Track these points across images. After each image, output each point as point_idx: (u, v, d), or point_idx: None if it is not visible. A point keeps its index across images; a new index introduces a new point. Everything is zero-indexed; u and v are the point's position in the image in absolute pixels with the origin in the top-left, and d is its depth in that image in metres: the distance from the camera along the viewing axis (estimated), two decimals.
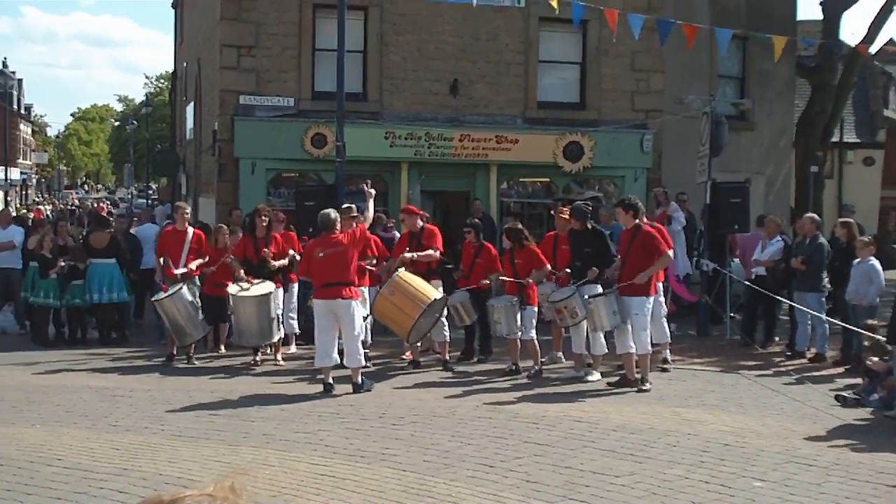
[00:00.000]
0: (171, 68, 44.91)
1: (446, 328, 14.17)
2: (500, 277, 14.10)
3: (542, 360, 13.93)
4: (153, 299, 14.79)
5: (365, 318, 13.39)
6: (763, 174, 26.09)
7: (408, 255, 14.03)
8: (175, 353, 14.57)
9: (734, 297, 18.47)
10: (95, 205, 50.68)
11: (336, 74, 17.58)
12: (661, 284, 14.13)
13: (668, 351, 14.46)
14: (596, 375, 13.31)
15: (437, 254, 14.28)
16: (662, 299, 14.39)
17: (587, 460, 9.08)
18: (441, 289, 14.06)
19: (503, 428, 10.38)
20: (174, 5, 38.41)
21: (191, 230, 15.12)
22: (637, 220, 12.99)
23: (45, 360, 14.65)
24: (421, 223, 14.51)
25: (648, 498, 7.93)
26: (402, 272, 13.28)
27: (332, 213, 12.78)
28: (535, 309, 13.85)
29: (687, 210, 19.54)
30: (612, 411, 11.32)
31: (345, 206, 14.70)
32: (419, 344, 14.28)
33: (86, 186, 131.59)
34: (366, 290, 13.67)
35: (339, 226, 12.52)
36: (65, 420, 10.63)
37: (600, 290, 13.30)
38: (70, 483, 8.19)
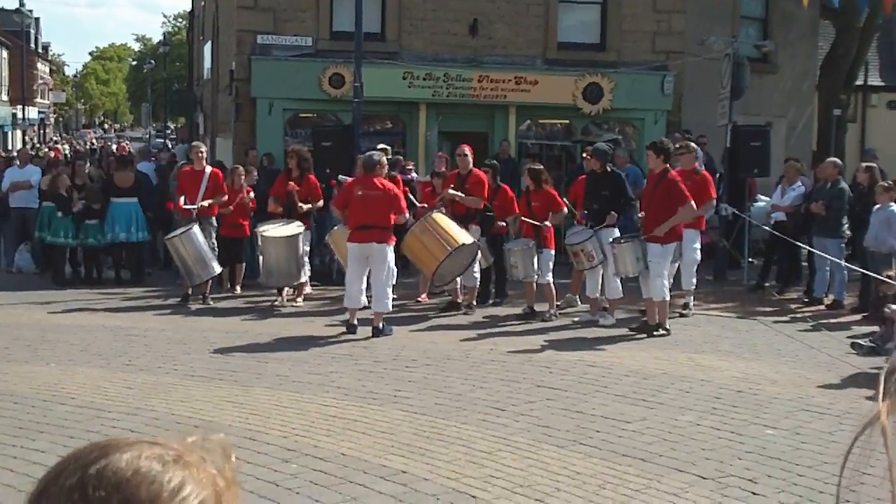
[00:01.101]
0: (188, 7, 44.63)
1: (477, 273, 14.09)
2: (517, 224, 14.02)
3: (558, 303, 13.89)
4: (165, 238, 14.80)
5: None
6: (785, 117, 25.79)
7: (451, 192, 13.96)
8: (190, 293, 14.57)
9: (753, 243, 18.35)
10: (118, 144, 50.61)
11: (354, 14, 17.40)
12: (696, 232, 13.91)
13: (691, 298, 14.35)
14: (611, 319, 13.26)
15: (481, 200, 14.15)
16: (697, 246, 14.11)
17: (599, 405, 9.07)
18: (480, 234, 13.97)
19: (516, 372, 10.37)
20: None
21: (208, 169, 15.09)
22: (666, 165, 12.81)
23: (60, 299, 14.70)
24: (471, 167, 14.39)
25: (659, 444, 7.91)
26: (435, 213, 13.21)
27: (377, 155, 12.78)
28: (552, 252, 13.78)
29: (706, 153, 19.34)
30: (626, 356, 11.29)
31: (381, 146, 14.72)
32: (456, 285, 14.20)
33: (104, 125, 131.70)
34: None
35: (382, 170, 12.50)
36: (79, 359, 10.68)
37: (618, 233, 13.22)
38: (82, 422, 8.24)
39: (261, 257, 14.42)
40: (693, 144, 14.65)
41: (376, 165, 12.46)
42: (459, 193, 13.99)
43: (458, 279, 13.88)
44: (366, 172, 12.53)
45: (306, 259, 14.55)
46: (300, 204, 14.35)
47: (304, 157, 14.88)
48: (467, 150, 14.54)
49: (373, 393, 9.41)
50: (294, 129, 21.74)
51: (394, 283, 12.74)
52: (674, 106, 22.91)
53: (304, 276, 14.58)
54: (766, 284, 16.61)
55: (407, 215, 12.85)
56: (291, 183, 14.45)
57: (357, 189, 12.42)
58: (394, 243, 12.57)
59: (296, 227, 14.10)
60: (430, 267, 12.88)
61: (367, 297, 12.53)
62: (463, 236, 13.05)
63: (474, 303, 14.21)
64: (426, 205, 14.19)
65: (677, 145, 14.34)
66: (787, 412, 8.98)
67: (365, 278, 12.46)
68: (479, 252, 13.76)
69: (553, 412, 8.81)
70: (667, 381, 10.10)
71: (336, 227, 13.88)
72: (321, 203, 14.82)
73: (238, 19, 21.51)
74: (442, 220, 13.10)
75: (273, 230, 14.05)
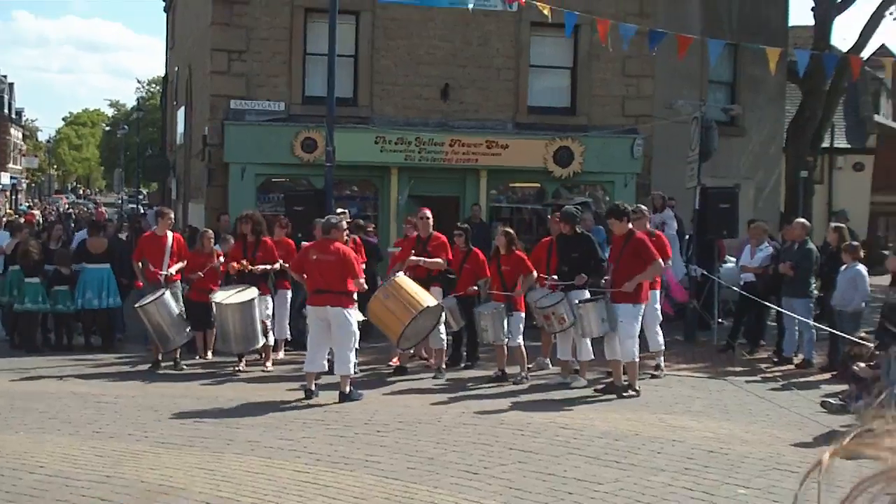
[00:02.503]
0: (162, 73, 44.83)
1: (443, 335, 14.11)
2: (488, 287, 14.09)
3: (530, 366, 13.90)
4: (136, 305, 14.70)
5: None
6: (753, 180, 26.10)
7: (414, 258, 14.01)
8: (160, 359, 14.49)
9: (723, 303, 18.46)
10: (94, 209, 50.37)
11: (327, 79, 17.55)
12: (656, 292, 14.07)
13: (661, 359, 14.41)
14: (582, 382, 13.29)
15: (444, 263, 14.21)
16: (658, 307, 14.29)
17: (571, 467, 9.06)
18: (442, 296, 14.01)
19: (488, 435, 10.36)
20: (166, 9, 38.38)
21: (170, 235, 15.02)
22: (629, 226, 12.93)
23: (30, 366, 14.57)
24: (431, 230, 14.45)
25: None
26: (399, 276, 13.22)
27: (335, 219, 12.79)
28: (522, 315, 13.81)
29: (676, 215, 19.52)
30: (597, 418, 11.30)
31: (339, 210, 14.72)
32: (412, 350, 14.26)
33: (77, 191, 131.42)
34: None
35: (340, 234, 12.51)
36: (48, 427, 10.59)
37: (588, 295, 13.28)
38: (52, 490, 8.16)
39: (216, 324, 14.37)
40: (644, 208, 14.88)
41: (332, 229, 12.46)
42: (422, 258, 14.05)
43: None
44: (323, 235, 12.55)
45: (268, 323, 14.47)
46: (255, 267, 14.27)
47: (257, 222, 14.85)
48: (428, 213, 14.69)
49: (345, 458, 9.37)
50: (266, 193, 21.81)
51: (357, 347, 12.66)
52: (643, 168, 23.17)
53: (263, 341, 14.42)
54: (736, 344, 16.69)
55: (362, 280, 12.80)
56: (243, 263, 14.35)
57: (312, 253, 12.43)
58: (353, 307, 12.52)
59: (250, 293, 14.03)
60: (396, 331, 12.86)
61: (327, 361, 12.51)
62: (427, 299, 13.08)
63: (443, 366, 14.20)
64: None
65: (632, 208, 14.58)
66: (760, 471, 9.01)
67: (326, 342, 12.43)
68: (444, 314, 13.79)
69: (525, 475, 8.79)
70: (638, 442, 10.11)
71: None
72: (278, 266, 14.72)
73: (211, 85, 21.67)
74: (405, 282, 13.12)
75: (227, 297, 14.00)
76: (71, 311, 16.48)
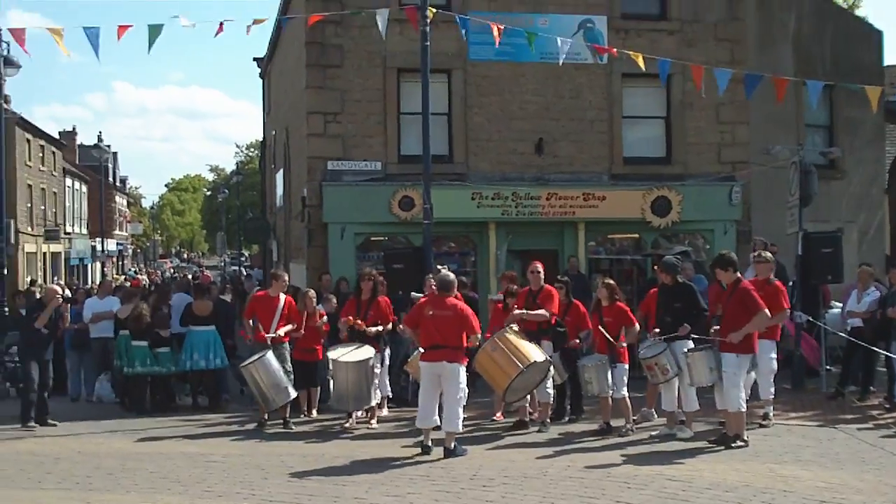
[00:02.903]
0: (260, 137, 45.75)
1: (550, 388, 14.06)
2: (590, 339, 14.03)
3: (634, 417, 13.78)
4: (240, 366, 14.95)
5: None
6: (855, 223, 25.66)
7: (518, 312, 14.00)
8: (266, 418, 14.67)
9: (830, 350, 18.09)
10: (199, 273, 51.45)
11: (422, 137, 17.76)
12: (771, 342, 13.87)
13: (770, 408, 14.17)
14: (688, 433, 13.12)
15: (549, 315, 14.16)
16: (773, 356, 14.07)
17: None
18: (552, 350, 13.97)
19: (595, 488, 10.26)
20: (262, 76, 39.25)
21: (282, 297, 15.29)
22: (737, 275, 12.78)
23: (140, 427, 14.87)
24: (542, 283, 14.41)
25: None
26: (508, 329, 13.23)
27: (451, 276, 12.91)
28: (626, 367, 13.73)
29: (777, 262, 19.22)
30: (705, 469, 11.13)
31: (439, 267, 14.85)
32: (514, 405, 14.18)
33: (181, 255, 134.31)
34: None
35: (455, 290, 12.63)
36: (159, 487, 10.75)
37: (692, 345, 13.13)
38: None
39: (332, 381, 14.51)
40: (769, 255, 14.68)
41: (450, 285, 12.60)
42: (526, 311, 14.00)
43: (527, 398, 13.88)
44: (440, 292, 12.66)
45: (377, 381, 14.61)
46: (368, 328, 14.52)
47: (378, 282, 15.16)
48: (539, 266, 14.56)
49: None
50: (366, 252, 22.06)
51: (464, 403, 12.70)
52: (742, 216, 22.98)
53: (376, 399, 14.63)
54: (846, 391, 16.33)
55: (479, 335, 12.87)
56: (357, 321, 14.56)
57: (428, 309, 12.55)
58: (466, 363, 12.59)
59: (366, 352, 14.21)
60: (502, 384, 12.85)
61: (438, 417, 12.55)
62: (534, 353, 13.01)
63: (548, 420, 14.14)
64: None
65: (755, 253, 14.51)
66: None
67: (437, 398, 12.50)
68: (552, 368, 13.72)
69: None
70: (749, 493, 9.92)
71: (415, 353, 13.91)
72: (391, 326, 14.97)
73: (308, 147, 22.08)
74: (513, 336, 13.10)
75: (344, 355, 14.16)
76: (173, 372, 16.84)
